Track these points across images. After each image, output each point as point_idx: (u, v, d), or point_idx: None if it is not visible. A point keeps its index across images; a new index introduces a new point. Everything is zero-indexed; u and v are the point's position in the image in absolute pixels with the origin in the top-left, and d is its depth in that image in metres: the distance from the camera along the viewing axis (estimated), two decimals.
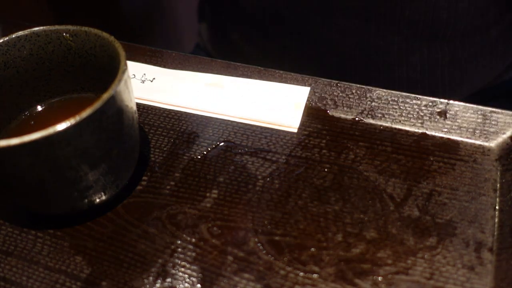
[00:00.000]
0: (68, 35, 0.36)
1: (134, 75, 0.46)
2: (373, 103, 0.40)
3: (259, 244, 0.33)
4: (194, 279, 0.32)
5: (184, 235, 0.34)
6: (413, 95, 0.40)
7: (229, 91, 0.44)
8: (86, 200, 0.33)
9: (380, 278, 0.31)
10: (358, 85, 0.41)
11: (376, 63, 0.55)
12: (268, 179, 0.37)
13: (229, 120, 0.41)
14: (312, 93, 0.42)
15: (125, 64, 0.32)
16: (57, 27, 0.37)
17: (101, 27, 0.36)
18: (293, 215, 0.34)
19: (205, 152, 0.39)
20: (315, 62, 0.58)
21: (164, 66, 0.47)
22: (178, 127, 0.41)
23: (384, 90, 0.41)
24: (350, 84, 0.42)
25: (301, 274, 0.31)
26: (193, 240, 0.34)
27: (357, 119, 0.40)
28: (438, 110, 0.39)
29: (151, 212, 0.35)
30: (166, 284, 0.32)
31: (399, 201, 0.34)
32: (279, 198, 0.36)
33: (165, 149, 0.40)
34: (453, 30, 0.52)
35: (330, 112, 0.41)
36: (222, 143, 0.40)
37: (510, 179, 0.35)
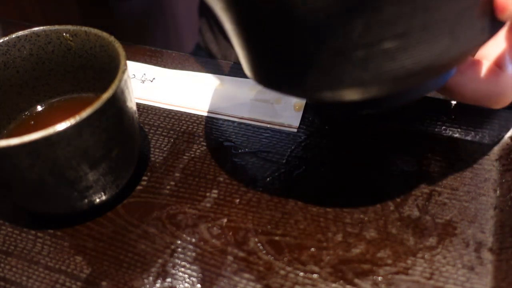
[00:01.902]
0: (68, 35, 0.36)
1: (134, 75, 0.47)
2: None
3: (259, 244, 0.33)
4: (194, 279, 0.32)
5: (184, 235, 0.34)
6: None
7: (229, 91, 0.44)
8: (86, 200, 0.33)
9: (380, 278, 0.31)
10: None
11: None
12: (268, 179, 0.37)
13: (229, 120, 0.41)
14: None
15: (125, 64, 0.32)
16: (57, 27, 0.37)
17: (101, 27, 0.36)
18: (293, 215, 0.34)
19: (205, 152, 0.39)
20: None
21: (164, 66, 0.47)
22: (178, 127, 0.41)
23: None
24: None
25: (301, 274, 0.31)
26: (193, 240, 0.34)
27: (357, 119, 0.40)
28: (438, 110, 0.39)
29: (151, 212, 0.35)
30: (166, 284, 0.32)
31: (399, 201, 0.34)
32: (279, 198, 0.36)
33: (165, 149, 0.40)
34: None
35: (330, 112, 0.41)
36: (222, 143, 0.40)
37: (510, 179, 0.35)
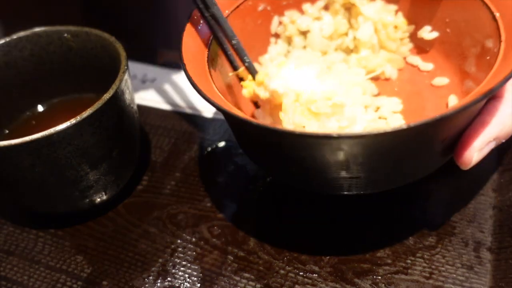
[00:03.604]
0: (69, 35, 0.37)
1: (135, 75, 0.47)
2: None
3: (259, 244, 0.33)
4: (194, 279, 0.32)
5: (185, 235, 0.34)
6: None
7: None
8: (87, 200, 0.34)
9: (379, 278, 0.31)
10: None
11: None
12: (268, 179, 0.37)
13: None
14: None
15: (126, 65, 0.33)
16: (58, 27, 0.37)
17: (102, 27, 0.36)
18: (293, 214, 0.34)
19: (205, 152, 0.39)
20: None
21: (165, 66, 0.47)
22: (178, 127, 0.41)
23: None
24: None
25: (301, 274, 0.31)
26: (193, 239, 0.34)
27: None
28: None
29: (152, 211, 0.36)
30: (166, 283, 0.32)
31: (399, 201, 0.34)
32: (279, 198, 0.36)
33: (165, 149, 0.40)
34: None
35: None
36: (222, 143, 0.40)
37: (509, 179, 0.35)
